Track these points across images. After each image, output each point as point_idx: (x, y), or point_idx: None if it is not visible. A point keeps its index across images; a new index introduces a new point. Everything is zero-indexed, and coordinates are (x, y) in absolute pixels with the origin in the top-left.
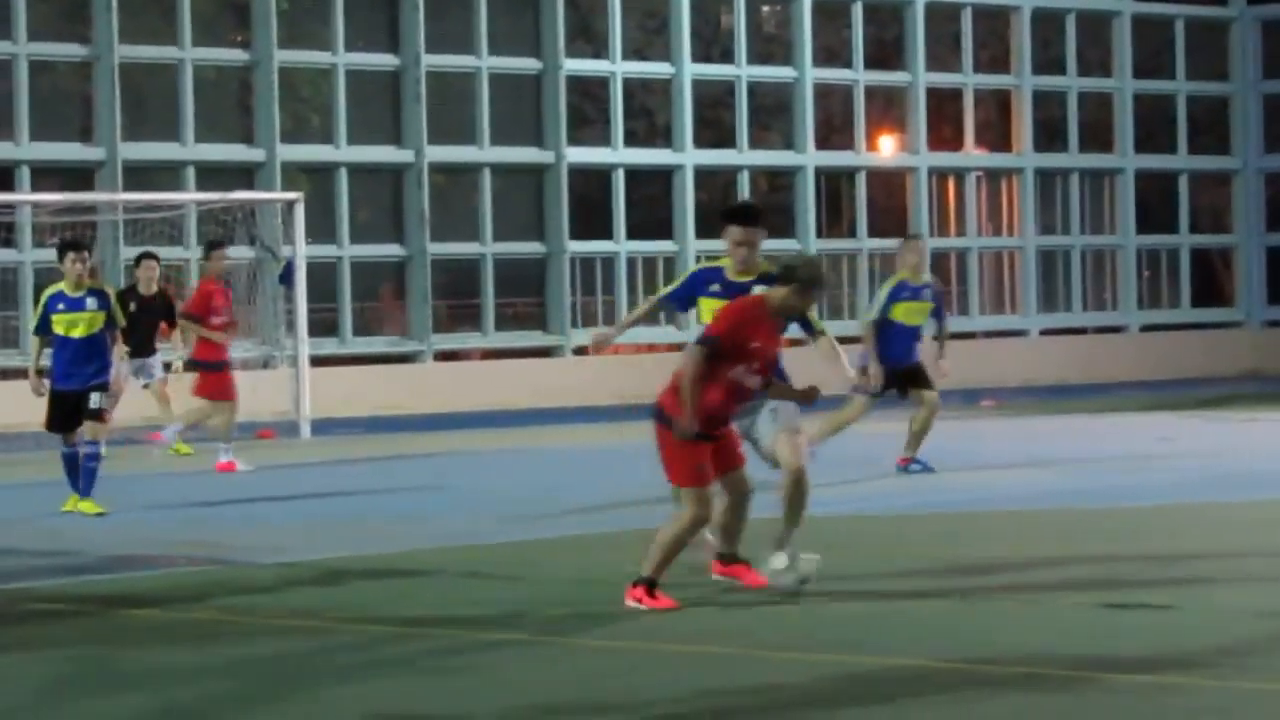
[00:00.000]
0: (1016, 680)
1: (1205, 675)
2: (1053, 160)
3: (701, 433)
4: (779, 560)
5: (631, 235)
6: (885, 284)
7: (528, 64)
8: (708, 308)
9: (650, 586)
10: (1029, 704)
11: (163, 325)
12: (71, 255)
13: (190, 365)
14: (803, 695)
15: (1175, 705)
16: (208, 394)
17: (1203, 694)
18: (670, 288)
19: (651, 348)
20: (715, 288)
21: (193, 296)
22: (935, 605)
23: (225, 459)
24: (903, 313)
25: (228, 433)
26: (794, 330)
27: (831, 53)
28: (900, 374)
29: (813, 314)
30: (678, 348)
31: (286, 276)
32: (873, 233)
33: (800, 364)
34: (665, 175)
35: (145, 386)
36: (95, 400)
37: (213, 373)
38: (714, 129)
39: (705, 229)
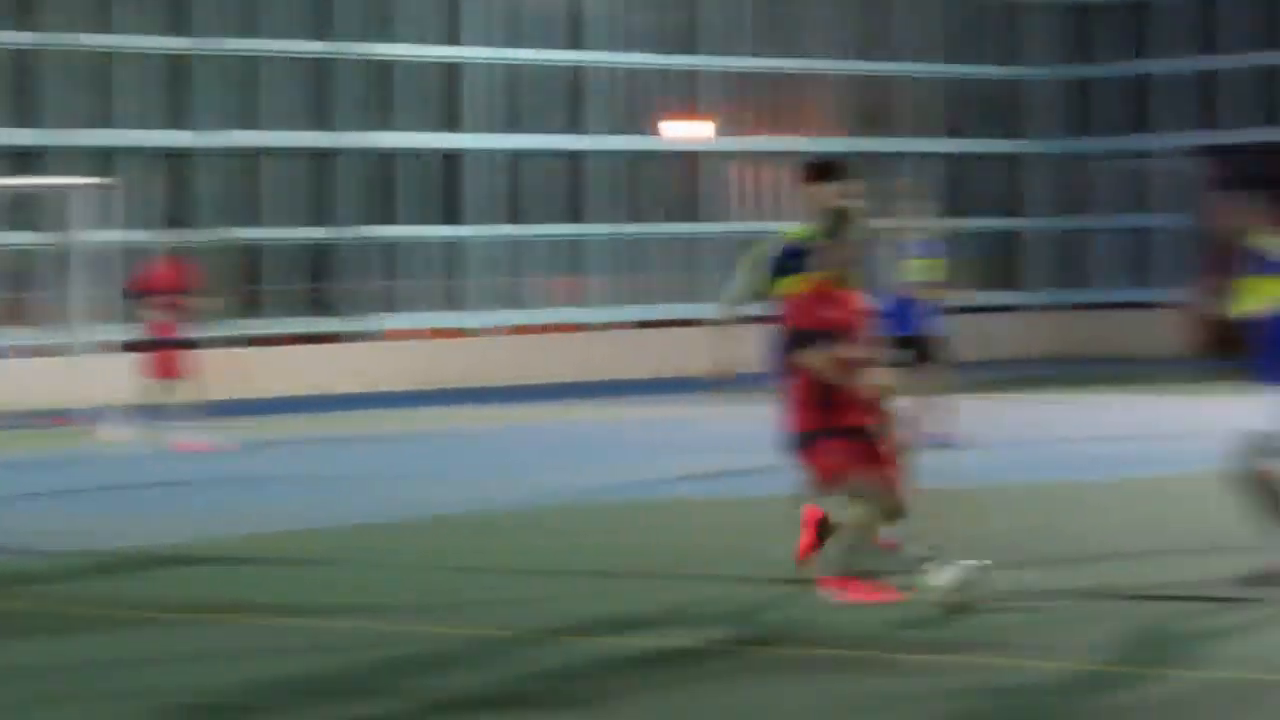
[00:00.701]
0: (823, 661)
1: (1006, 655)
2: (862, 144)
3: None
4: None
5: (416, 220)
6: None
7: (313, 47)
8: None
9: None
10: (828, 684)
11: None
12: None
13: None
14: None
15: (956, 685)
16: None
17: (1000, 673)
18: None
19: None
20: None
21: None
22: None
23: None
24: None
25: None
26: None
27: (628, 38)
28: None
29: None
30: (448, 332)
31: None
32: (667, 217)
33: None
34: (454, 159)
35: None
36: None
37: None
38: (510, 113)
39: (493, 214)
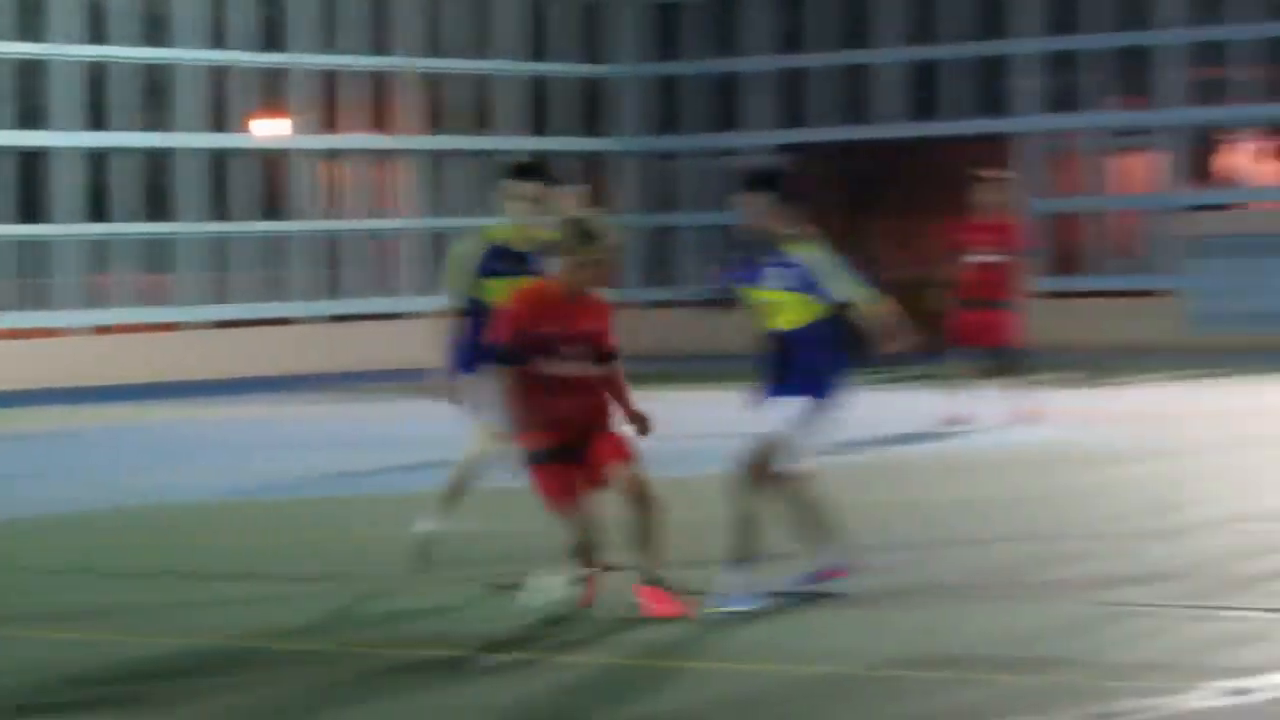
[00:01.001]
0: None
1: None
2: (435, 142)
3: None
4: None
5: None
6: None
7: None
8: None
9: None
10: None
11: None
12: None
13: None
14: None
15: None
16: None
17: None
18: None
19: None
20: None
21: None
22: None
23: None
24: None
25: None
26: None
27: (216, 35)
28: None
29: None
30: (32, 332)
31: None
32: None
33: None
34: (40, 157)
35: None
36: None
37: None
38: (95, 110)
39: (78, 212)
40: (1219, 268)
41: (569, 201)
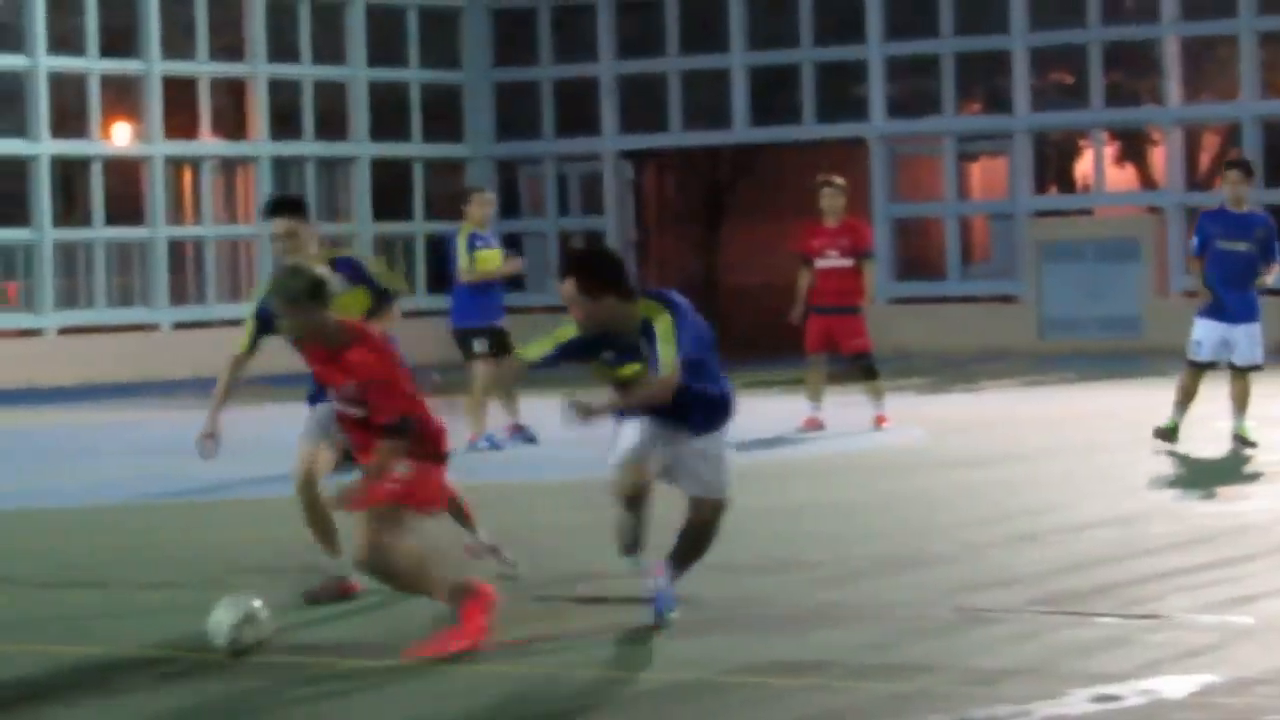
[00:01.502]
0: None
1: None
2: (289, 148)
3: None
4: None
5: None
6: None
7: None
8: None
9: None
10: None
11: None
12: None
13: None
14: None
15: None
16: None
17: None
18: None
19: None
20: None
21: None
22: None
23: None
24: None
25: None
26: None
27: (65, 40)
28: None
29: None
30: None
31: None
32: (109, 222)
33: None
34: None
35: None
36: None
37: None
38: None
39: None
40: (1069, 273)
41: (312, 241)
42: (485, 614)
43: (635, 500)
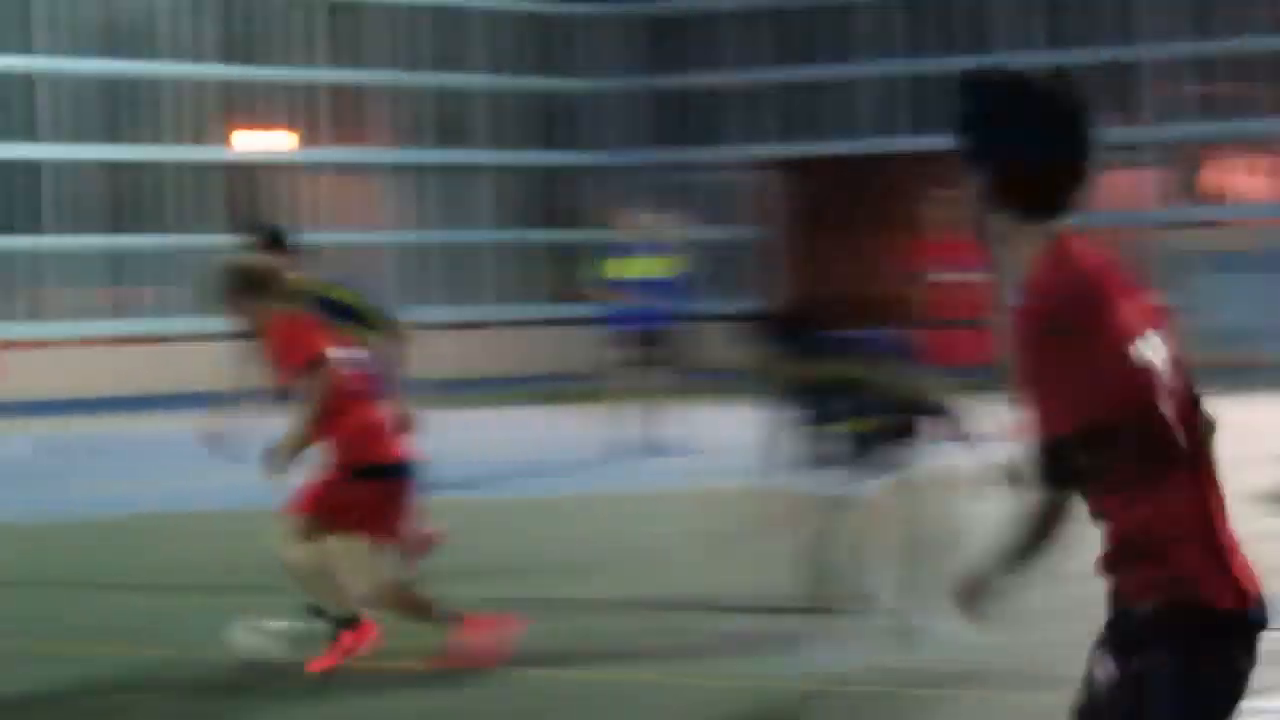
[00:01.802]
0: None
1: None
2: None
3: None
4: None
5: None
6: None
7: None
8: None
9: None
10: None
11: None
12: None
13: None
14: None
15: None
16: None
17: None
18: None
19: None
20: None
21: None
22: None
23: None
24: None
25: None
26: None
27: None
28: None
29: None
30: None
31: None
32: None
33: None
34: None
35: None
36: None
37: None
38: None
39: None
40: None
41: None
42: (486, 632)
43: None
